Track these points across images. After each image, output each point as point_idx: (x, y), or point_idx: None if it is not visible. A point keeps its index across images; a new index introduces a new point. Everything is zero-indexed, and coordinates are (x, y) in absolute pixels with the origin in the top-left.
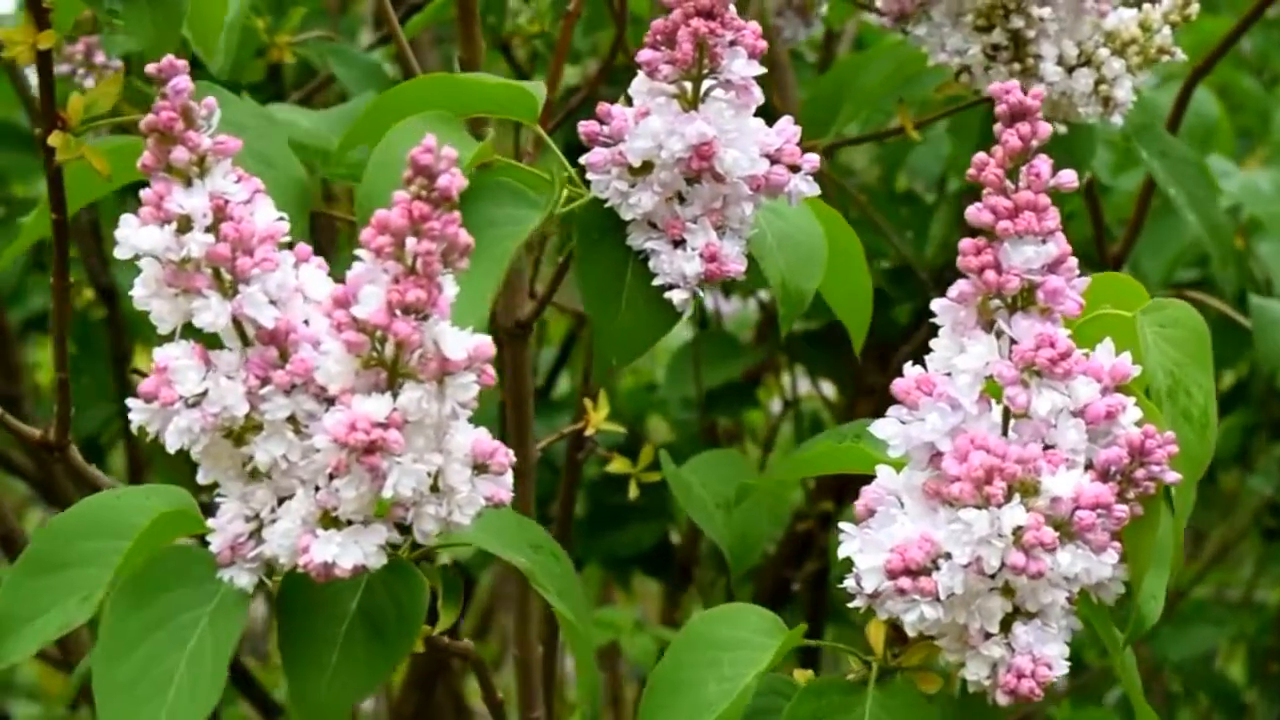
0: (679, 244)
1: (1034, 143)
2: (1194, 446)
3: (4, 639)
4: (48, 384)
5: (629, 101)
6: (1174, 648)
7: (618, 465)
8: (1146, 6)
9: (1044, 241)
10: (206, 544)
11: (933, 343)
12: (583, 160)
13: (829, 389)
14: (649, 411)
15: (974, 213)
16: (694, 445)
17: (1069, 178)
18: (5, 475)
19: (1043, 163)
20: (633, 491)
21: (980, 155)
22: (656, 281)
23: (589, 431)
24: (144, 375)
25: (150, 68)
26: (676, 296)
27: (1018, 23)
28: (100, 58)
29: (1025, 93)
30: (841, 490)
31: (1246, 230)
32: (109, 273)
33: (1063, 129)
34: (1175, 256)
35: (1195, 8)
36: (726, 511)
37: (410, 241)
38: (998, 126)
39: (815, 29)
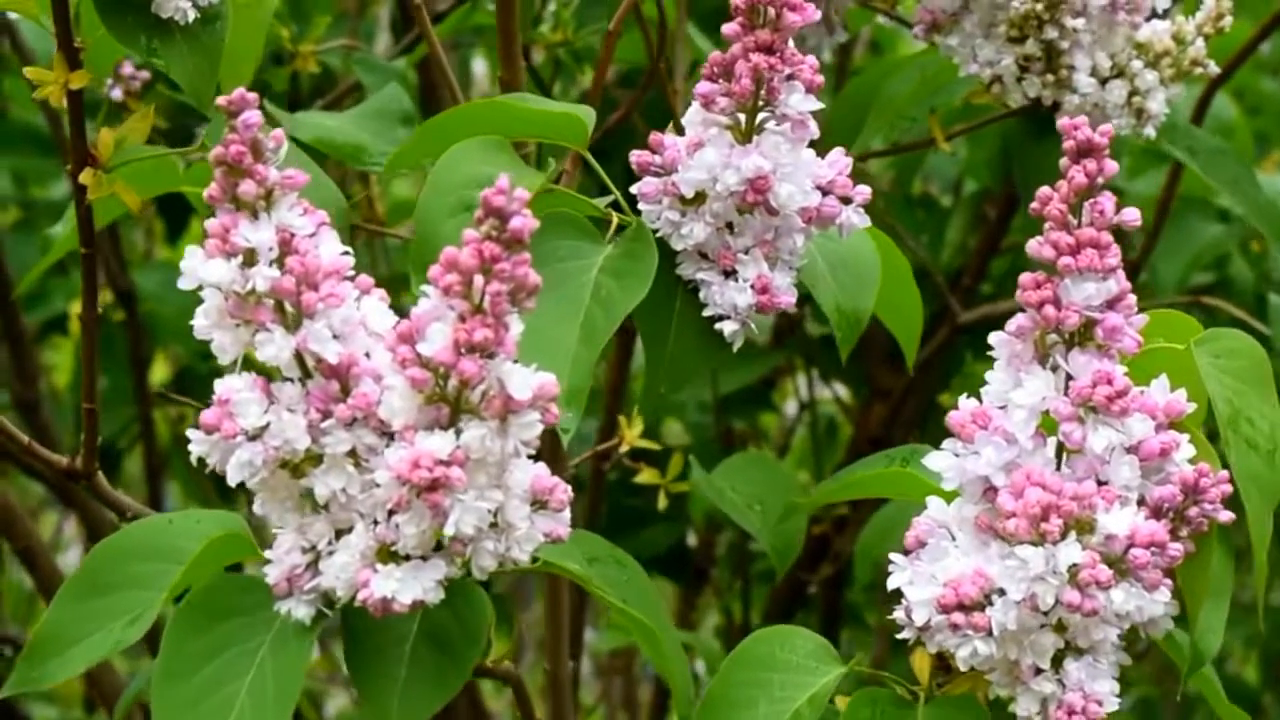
0: (730, 274)
1: (1099, 179)
2: (1263, 473)
3: (52, 658)
4: (65, 386)
5: (664, 122)
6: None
7: (646, 476)
8: (1180, 19)
9: (1104, 278)
10: (262, 569)
11: (988, 375)
12: (634, 189)
13: (840, 390)
14: (665, 415)
15: (1035, 247)
16: (709, 449)
17: (1132, 215)
18: (23, 478)
19: (1107, 199)
20: (662, 502)
21: (1044, 190)
22: (707, 312)
23: (623, 449)
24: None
25: (220, 100)
26: (727, 328)
27: (1051, 34)
28: (127, 68)
29: (1055, 106)
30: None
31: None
32: (128, 276)
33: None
34: (1192, 260)
35: (1229, 20)
36: (761, 514)
37: (478, 280)
38: (1063, 162)
39: (840, 37)
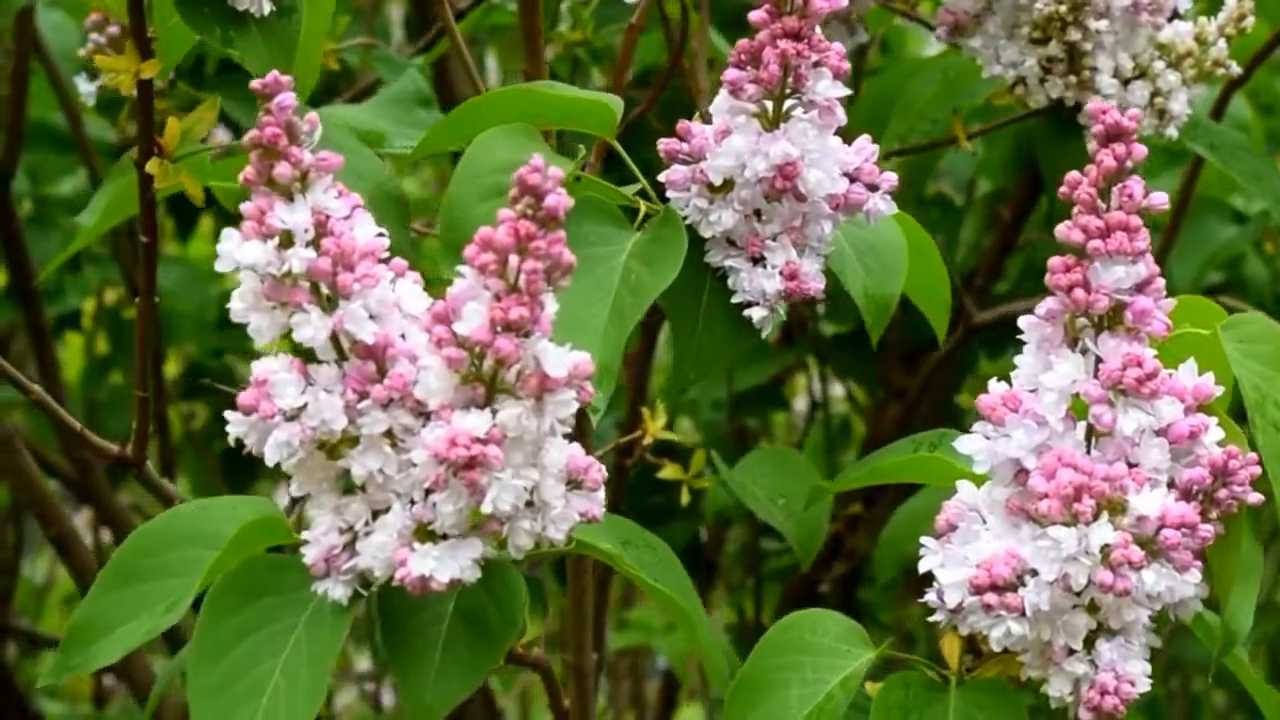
0: (758, 261)
1: (1128, 163)
2: None
3: (89, 646)
4: (74, 380)
5: (688, 114)
6: (1194, 647)
7: (669, 472)
8: (1202, 20)
9: (1134, 262)
10: (298, 552)
11: (1018, 359)
12: (662, 177)
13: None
14: (678, 413)
15: (1064, 231)
16: (723, 446)
17: (1160, 199)
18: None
19: (1135, 183)
20: (685, 498)
21: (1073, 174)
22: (735, 299)
23: (647, 441)
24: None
25: (255, 84)
26: (756, 314)
27: (1074, 35)
28: None
29: (1077, 107)
30: (871, 493)
31: (1276, 233)
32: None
33: None
34: (1206, 259)
35: (1250, 21)
36: (785, 506)
37: (513, 259)
38: (1092, 146)
39: (861, 38)
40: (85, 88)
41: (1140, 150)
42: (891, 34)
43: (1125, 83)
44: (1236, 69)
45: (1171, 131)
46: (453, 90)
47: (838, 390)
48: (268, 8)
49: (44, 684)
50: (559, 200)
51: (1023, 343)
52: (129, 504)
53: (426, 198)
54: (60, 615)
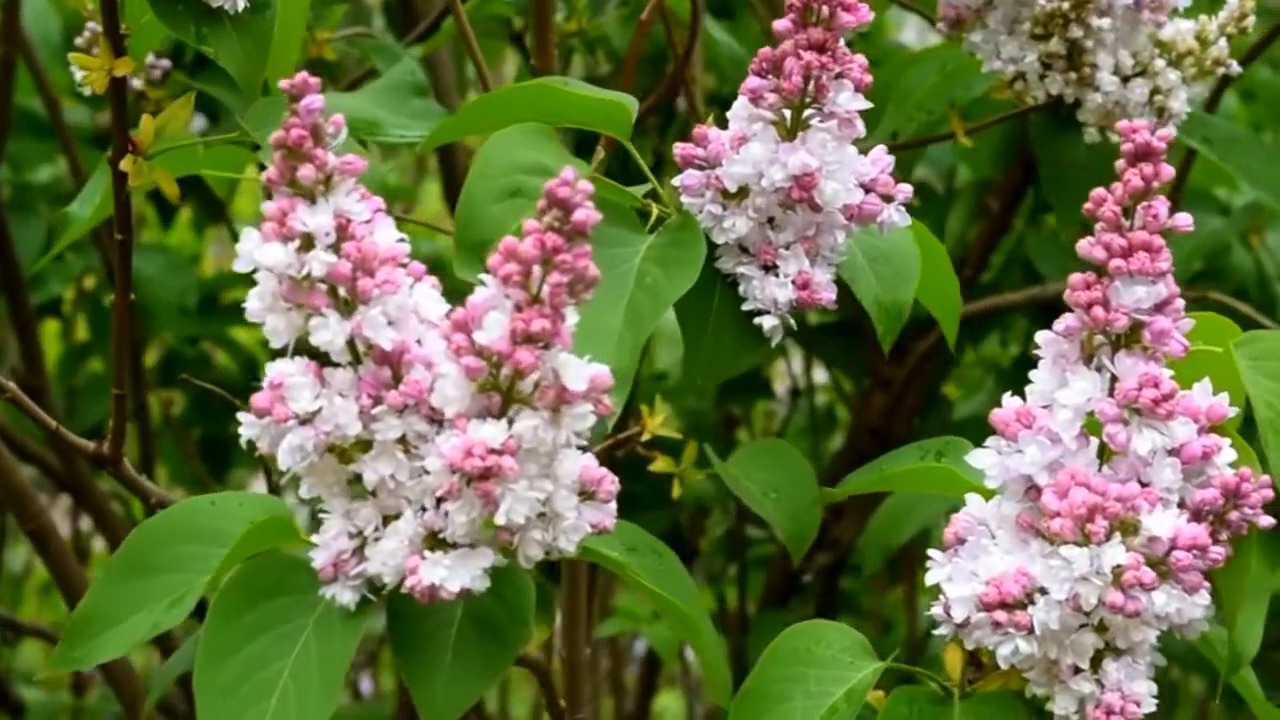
0: (770, 269)
1: (1155, 184)
2: None
3: (91, 638)
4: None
5: (671, 117)
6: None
7: (661, 465)
8: (1203, 18)
9: (1154, 282)
10: (305, 552)
11: (1033, 374)
12: (675, 182)
13: (822, 376)
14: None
15: (1087, 248)
16: (707, 435)
17: (1185, 220)
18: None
19: (1160, 204)
20: (676, 491)
21: (1099, 191)
22: (746, 306)
23: (645, 436)
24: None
25: (283, 84)
26: (767, 322)
27: (1076, 32)
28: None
29: (1076, 103)
30: None
31: (1260, 224)
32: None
33: (1116, 138)
34: (1192, 250)
35: (1251, 20)
36: (777, 500)
37: (537, 271)
38: (1120, 164)
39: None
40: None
41: (1168, 171)
42: (874, 21)
43: (1125, 80)
44: (1237, 68)
45: (1170, 130)
46: (441, 83)
47: (820, 377)
48: (241, 4)
49: (45, 676)
50: (588, 215)
51: (1005, 333)
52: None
53: (405, 185)
54: (38, 603)
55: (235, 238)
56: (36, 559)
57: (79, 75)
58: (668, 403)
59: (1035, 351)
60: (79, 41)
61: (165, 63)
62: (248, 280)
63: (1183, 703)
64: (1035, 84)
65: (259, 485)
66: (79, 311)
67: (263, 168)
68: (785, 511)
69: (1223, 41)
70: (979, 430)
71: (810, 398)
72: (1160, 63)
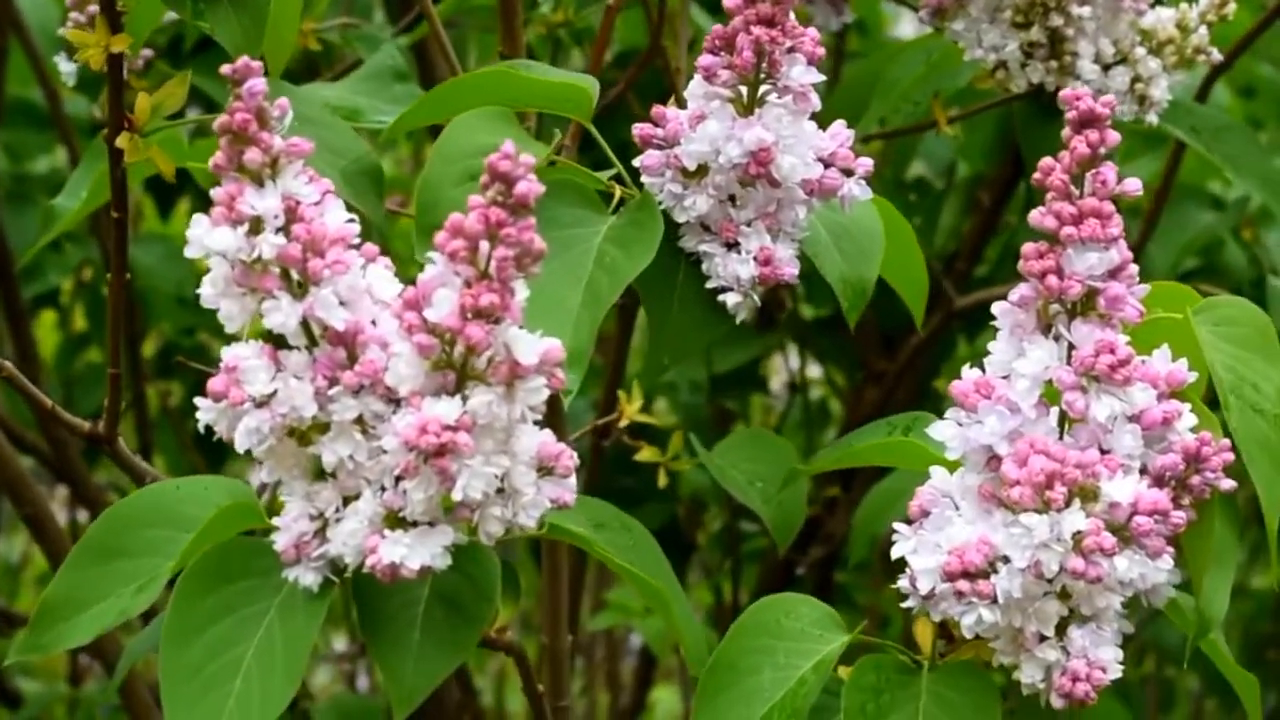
0: (732, 247)
1: (1101, 150)
2: (1271, 437)
3: (58, 624)
4: (49, 357)
5: (663, 99)
6: (1167, 632)
7: (646, 454)
8: (1183, 6)
9: (1106, 248)
10: (269, 536)
11: (991, 345)
12: (636, 162)
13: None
14: (656, 395)
15: (1038, 217)
16: (701, 428)
17: (1134, 185)
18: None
19: (1109, 169)
20: (662, 480)
21: (1046, 160)
22: (710, 284)
23: (623, 423)
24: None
25: (225, 69)
26: (730, 299)
27: (1057, 20)
28: None
29: (1058, 91)
30: (848, 476)
31: (1255, 220)
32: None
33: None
34: (1185, 246)
35: (1232, 7)
36: (762, 489)
37: (484, 246)
38: (1066, 132)
39: (847, 18)
40: (65, 67)
41: (1114, 136)
42: (869, 16)
43: (1106, 68)
44: (1217, 55)
45: (1152, 118)
46: (433, 72)
47: (815, 372)
48: None
49: (10, 661)
50: (529, 187)
51: (997, 328)
52: (105, 483)
53: (402, 176)
54: (35, 594)
55: None
56: (33, 549)
57: (65, 66)
58: (663, 398)
59: (992, 323)
60: (61, 32)
61: (148, 52)
62: None
63: (1178, 700)
64: (1017, 72)
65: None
66: (77, 302)
67: None
68: (771, 500)
69: (1203, 29)
70: None
71: (805, 392)
72: (1141, 50)
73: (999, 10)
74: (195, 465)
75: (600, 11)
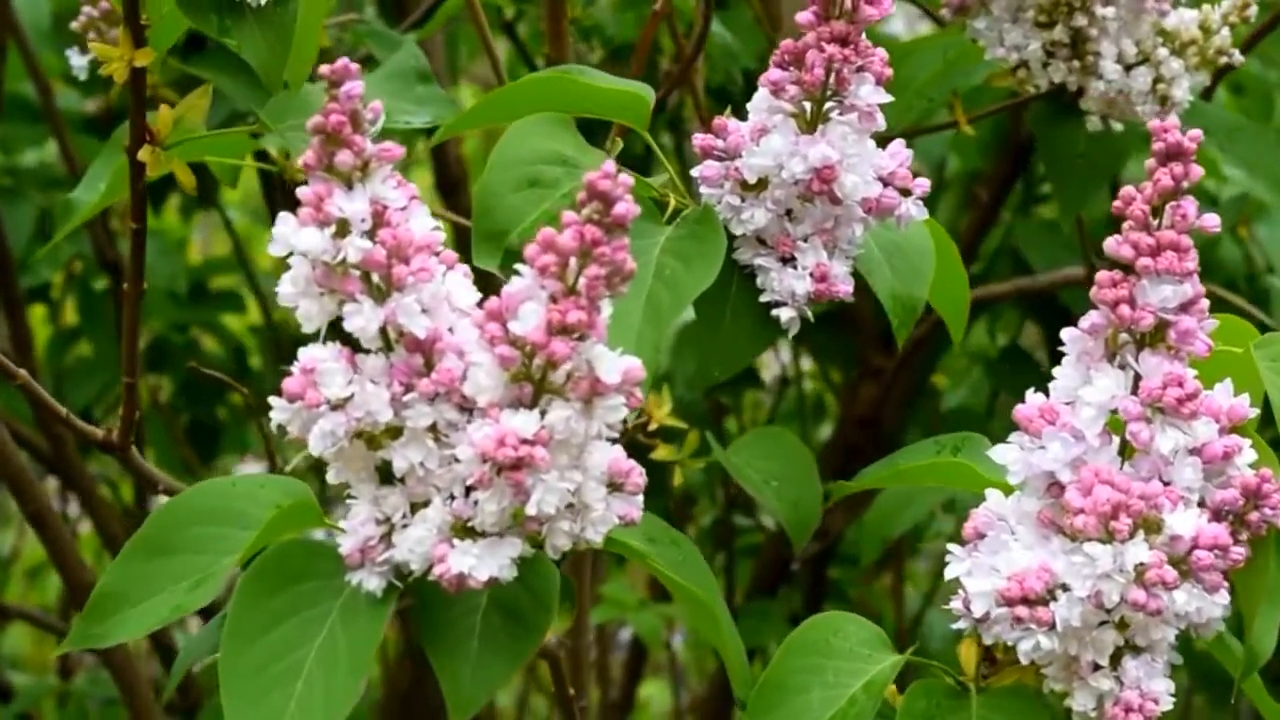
0: (787, 261)
1: (1185, 184)
2: None
3: (109, 617)
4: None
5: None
6: None
7: (663, 453)
8: (1206, 8)
9: (1181, 282)
10: (332, 538)
11: (1056, 371)
12: (694, 172)
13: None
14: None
15: (1115, 246)
16: (698, 424)
17: (1212, 221)
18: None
19: (1189, 203)
20: (677, 478)
21: (1128, 189)
22: (764, 298)
23: (652, 426)
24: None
25: (324, 69)
26: (784, 314)
27: (1080, 20)
28: None
29: (1079, 91)
30: (843, 475)
31: (1248, 216)
32: (115, 247)
33: (1118, 126)
34: None
35: (1254, 10)
36: (777, 489)
37: (573, 262)
38: (1150, 163)
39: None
40: (77, 61)
41: (1197, 171)
42: None
43: (1128, 68)
44: (1240, 58)
45: (1172, 118)
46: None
47: (807, 366)
48: None
49: (61, 652)
50: (628, 209)
51: (994, 323)
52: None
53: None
54: (24, 587)
55: (227, 223)
56: (23, 543)
57: (77, 60)
58: (657, 393)
59: (1060, 348)
60: (75, 25)
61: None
62: (236, 267)
63: (1191, 716)
64: (1038, 72)
65: (246, 470)
66: (67, 295)
67: (260, 156)
68: (787, 500)
69: (1225, 31)
70: (967, 420)
71: (800, 387)
72: (1163, 51)
73: (1021, 10)
74: (186, 460)
75: (605, 9)
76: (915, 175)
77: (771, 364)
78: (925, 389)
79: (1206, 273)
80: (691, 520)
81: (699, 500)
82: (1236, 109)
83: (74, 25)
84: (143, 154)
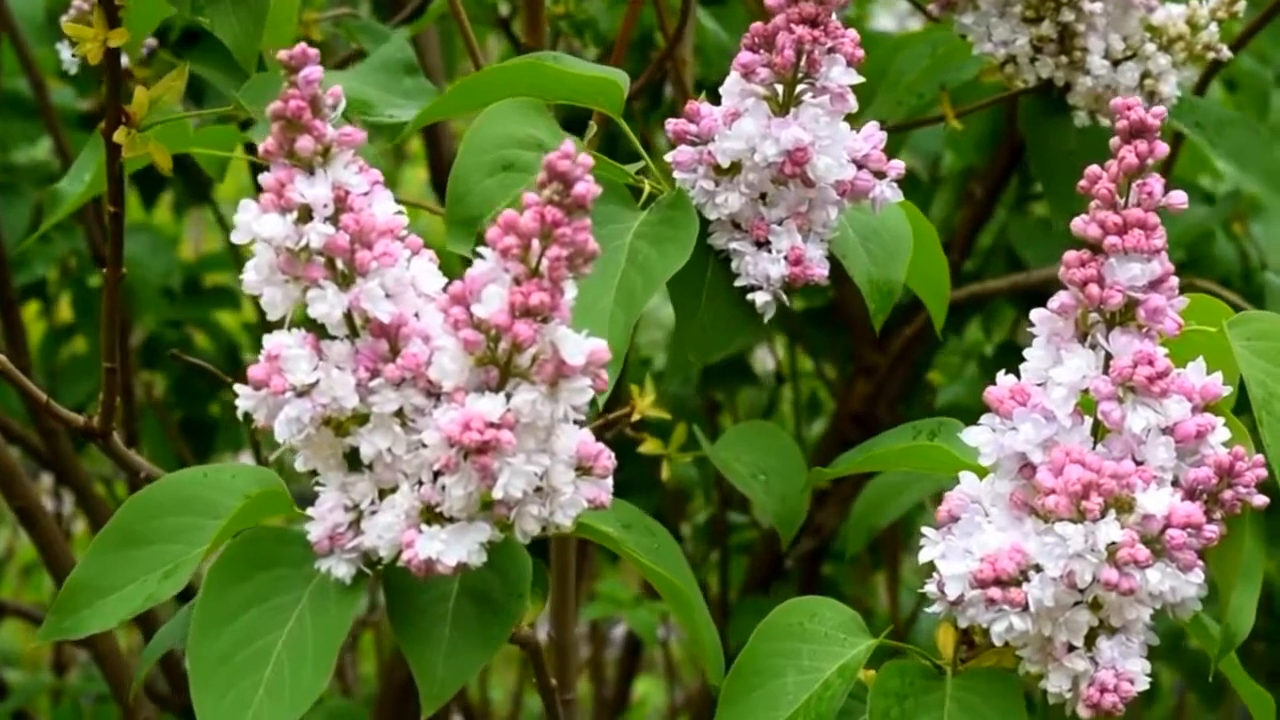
0: (762, 245)
1: (1149, 161)
2: None
3: (83, 609)
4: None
5: (658, 98)
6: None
7: (650, 446)
8: (1194, 3)
9: (1149, 259)
10: (302, 525)
11: (1027, 352)
12: (668, 157)
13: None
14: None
15: (1081, 225)
16: (691, 420)
17: (1179, 198)
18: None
19: (1155, 181)
20: (665, 472)
21: (1093, 169)
22: (739, 283)
23: (635, 417)
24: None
25: (281, 55)
26: (759, 298)
27: (1068, 16)
28: None
29: (1066, 86)
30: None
31: (1243, 213)
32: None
33: (1106, 121)
34: (1174, 239)
35: (1241, 5)
36: (766, 483)
37: (536, 244)
38: (1114, 141)
39: (845, 10)
40: (67, 55)
41: (1162, 148)
42: (855, 6)
43: (1116, 64)
44: (1227, 53)
45: (1162, 107)
46: (423, 63)
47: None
48: None
49: (36, 644)
50: (588, 189)
51: (989, 320)
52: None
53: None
54: (18, 584)
55: (220, 219)
56: (17, 541)
57: (67, 54)
58: (653, 387)
59: (1030, 329)
60: (64, 19)
61: (152, 41)
62: (230, 263)
63: (1160, 696)
64: (1026, 67)
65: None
66: (62, 292)
67: (250, 147)
68: (774, 494)
69: (1213, 26)
70: (962, 416)
71: (795, 383)
72: (1151, 47)
73: (1009, 5)
74: (181, 455)
75: (599, 4)
76: (890, 158)
77: (766, 360)
78: (920, 385)
79: (1201, 269)
80: (685, 517)
81: (693, 497)
82: (1232, 106)
83: (64, 19)
84: (118, 135)
